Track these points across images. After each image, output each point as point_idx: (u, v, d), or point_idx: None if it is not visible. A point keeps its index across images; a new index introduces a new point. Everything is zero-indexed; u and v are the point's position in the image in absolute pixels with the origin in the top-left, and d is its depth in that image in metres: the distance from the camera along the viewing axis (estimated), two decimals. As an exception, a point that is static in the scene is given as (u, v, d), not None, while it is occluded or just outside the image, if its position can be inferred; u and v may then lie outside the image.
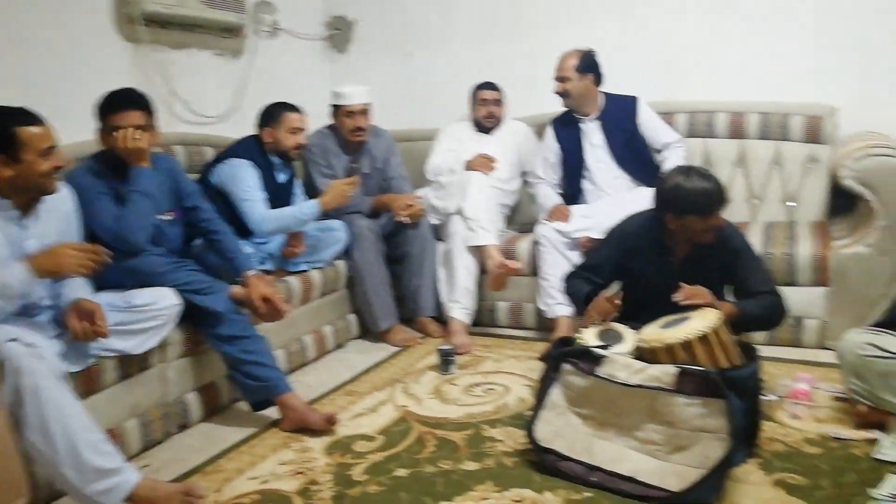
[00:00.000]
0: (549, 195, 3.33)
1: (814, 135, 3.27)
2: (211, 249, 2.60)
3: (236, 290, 2.49)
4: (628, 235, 2.44)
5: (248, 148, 3.01)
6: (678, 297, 2.17)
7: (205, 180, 2.95)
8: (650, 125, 3.27)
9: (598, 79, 3.24)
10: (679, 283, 2.20)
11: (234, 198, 2.90)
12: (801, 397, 2.32)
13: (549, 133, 3.38)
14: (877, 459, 1.98)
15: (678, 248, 2.34)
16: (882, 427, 2.11)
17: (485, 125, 3.60)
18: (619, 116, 3.27)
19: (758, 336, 2.90)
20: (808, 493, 1.85)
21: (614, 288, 2.50)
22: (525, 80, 3.83)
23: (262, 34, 3.82)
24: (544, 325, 3.23)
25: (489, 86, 3.59)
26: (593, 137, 3.27)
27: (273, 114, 3.03)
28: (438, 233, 3.40)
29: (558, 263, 3.05)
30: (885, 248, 2.64)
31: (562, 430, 2.09)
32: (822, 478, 1.91)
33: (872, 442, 2.06)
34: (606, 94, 3.31)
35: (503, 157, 3.53)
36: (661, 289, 2.22)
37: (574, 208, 3.22)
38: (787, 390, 2.37)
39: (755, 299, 2.27)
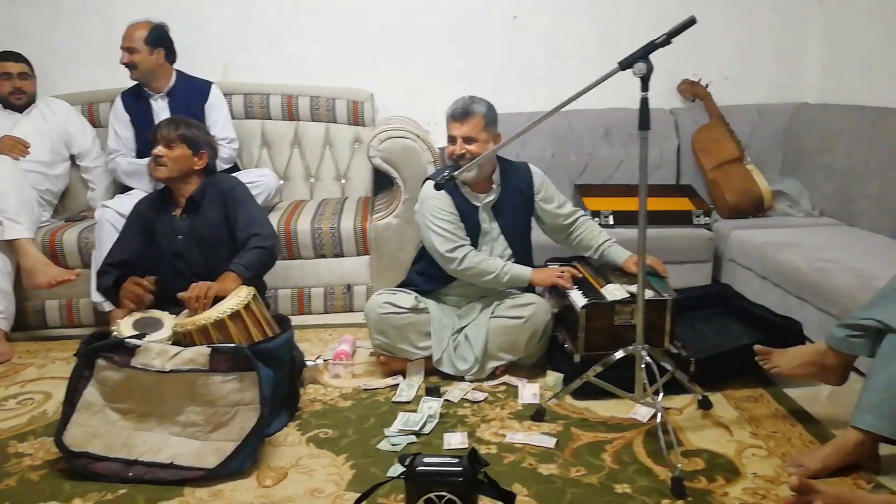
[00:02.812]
0: (132, 161, 3.15)
1: (357, 118, 3.60)
2: None
3: None
4: (140, 206, 2.54)
5: None
6: (183, 296, 2.20)
7: None
8: (213, 116, 3.22)
9: (170, 55, 3.16)
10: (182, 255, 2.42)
11: None
12: (343, 357, 2.56)
13: (119, 105, 3.20)
14: (395, 402, 2.28)
15: (177, 205, 2.47)
16: (403, 374, 2.44)
17: (12, 102, 3.17)
18: (190, 98, 3.19)
19: (315, 305, 3.12)
20: (335, 442, 2.05)
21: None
22: (66, 51, 3.50)
23: None
24: (102, 319, 3.01)
25: (11, 56, 3.17)
26: (162, 115, 3.12)
27: None
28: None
29: None
30: (409, 217, 3.03)
31: (98, 429, 1.98)
32: (349, 426, 2.14)
33: (395, 387, 2.37)
34: (181, 73, 3.23)
35: (41, 139, 3.18)
36: (174, 252, 2.41)
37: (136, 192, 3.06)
38: (332, 353, 2.59)
39: (247, 249, 2.36)
